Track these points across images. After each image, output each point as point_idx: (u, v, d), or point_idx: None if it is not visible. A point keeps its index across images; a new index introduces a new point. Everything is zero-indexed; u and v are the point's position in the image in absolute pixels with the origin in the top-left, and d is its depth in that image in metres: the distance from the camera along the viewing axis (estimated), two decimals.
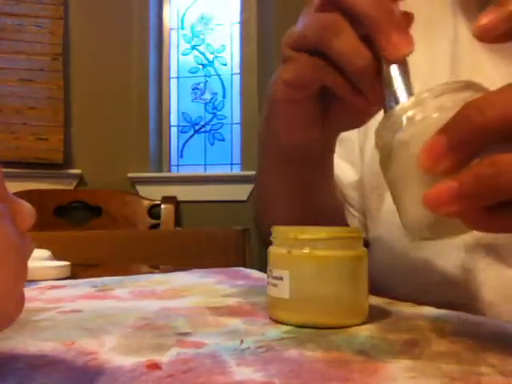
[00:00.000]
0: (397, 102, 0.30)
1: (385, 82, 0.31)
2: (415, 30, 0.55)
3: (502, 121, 0.23)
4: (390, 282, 0.51)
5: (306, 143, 0.44)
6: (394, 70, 0.31)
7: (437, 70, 0.50)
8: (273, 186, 0.52)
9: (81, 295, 0.45)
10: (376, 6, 0.32)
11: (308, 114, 0.42)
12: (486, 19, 0.25)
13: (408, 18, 0.33)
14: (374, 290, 0.39)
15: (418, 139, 0.26)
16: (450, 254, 0.47)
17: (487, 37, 0.26)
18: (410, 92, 0.30)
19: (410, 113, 0.27)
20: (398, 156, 0.27)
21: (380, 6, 0.32)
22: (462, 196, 0.23)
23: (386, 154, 0.28)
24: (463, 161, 0.24)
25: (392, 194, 0.29)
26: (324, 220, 0.53)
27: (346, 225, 0.59)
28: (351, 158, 0.59)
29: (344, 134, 0.59)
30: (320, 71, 0.36)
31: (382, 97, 0.32)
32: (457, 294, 0.46)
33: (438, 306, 0.39)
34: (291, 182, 0.50)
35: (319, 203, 0.53)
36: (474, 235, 0.46)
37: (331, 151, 0.49)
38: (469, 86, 0.27)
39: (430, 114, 0.26)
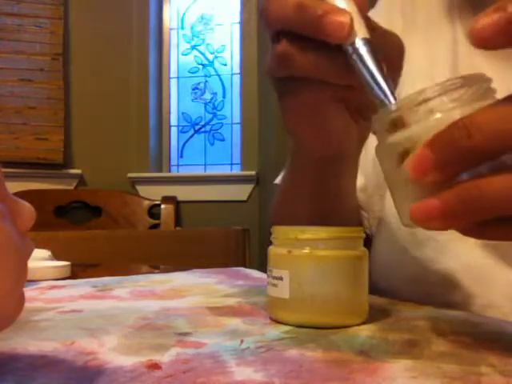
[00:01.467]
0: (383, 93, 0.29)
1: (359, 74, 0.30)
2: (416, 34, 0.55)
3: (489, 146, 0.23)
4: (391, 281, 0.51)
5: (345, 149, 0.43)
6: (362, 56, 0.30)
7: (437, 73, 0.50)
8: (298, 194, 0.50)
9: (81, 295, 0.45)
10: (296, 13, 0.31)
11: (338, 122, 0.40)
12: (481, 22, 0.23)
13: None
14: (375, 290, 0.39)
15: (407, 145, 0.25)
16: (452, 254, 0.47)
17: (482, 43, 0.24)
18: (384, 78, 0.29)
19: (397, 115, 0.26)
20: (388, 158, 0.27)
21: (299, 11, 0.31)
22: (446, 215, 0.23)
23: (380, 148, 0.28)
24: (449, 177, 0.24)
25: (387, 184, 0.28)
26: (347, 222, 0.52)
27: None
28: None
29: None
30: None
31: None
32: (459, 295, 0.46)
33: (440, 307, 0.39)
34: (320, 188, 0.47)
35: (345, 206, 0.51)
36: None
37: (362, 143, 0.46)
38: (465, 82, 0.26)
39: (422, 120, 0.25)
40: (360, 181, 0.57)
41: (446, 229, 0.24)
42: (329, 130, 0.40)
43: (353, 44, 0.30)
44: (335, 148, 0.42)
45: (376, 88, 0.29)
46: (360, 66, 0.30)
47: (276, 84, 0.38)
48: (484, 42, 0.23)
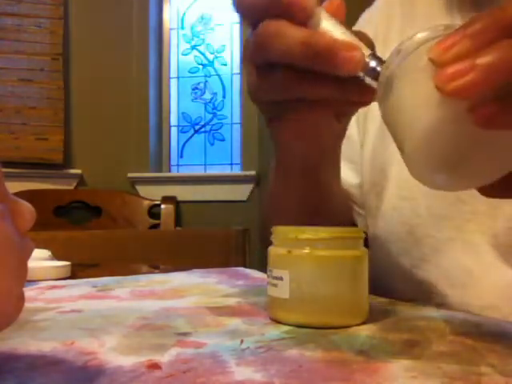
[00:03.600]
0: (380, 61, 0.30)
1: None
2: (415, 30, 0.55)
3: None
4: (389, 280, 0.51)
5: (329, 146, 0.44)
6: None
7: None
8: (285, 194, 0.50)
9: (81, 295, 0.45)
10: (304, 47, 0.31)
11: (327, 127, 0.41)
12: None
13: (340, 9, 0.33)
14: (374, 288, 0.39)
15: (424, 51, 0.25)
16: (450, 253, 0.47)
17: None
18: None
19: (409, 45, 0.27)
20: (405, 70, 0.26)
21: (308, 44, 0.31)
22: (477, 66, 0.22)
23: (390, 82, 0.27)
24: (477, 47, 0.22)
25: (392, 131, 0.28)
26: (336, 222, 0.53)
27: (354, 224, 0.59)
28: (351, 156, 0.58)
29: None
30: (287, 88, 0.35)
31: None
32: (457, 295, 0.46)
33: (439, 306, 0.39)
34: (305, 188, 0.48)
35: (332, 204, 0.52)
36: (477, 235, 0.46)
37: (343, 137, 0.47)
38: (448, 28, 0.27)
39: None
40: (355, 179, 0.58)
41: (471, 95, 0.22)
42: (320, 136, 0.42)
43: (363, 69, 0.31)
44: (321, 149, 0.44)
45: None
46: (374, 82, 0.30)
47: (269, 107, 0.38)
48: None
